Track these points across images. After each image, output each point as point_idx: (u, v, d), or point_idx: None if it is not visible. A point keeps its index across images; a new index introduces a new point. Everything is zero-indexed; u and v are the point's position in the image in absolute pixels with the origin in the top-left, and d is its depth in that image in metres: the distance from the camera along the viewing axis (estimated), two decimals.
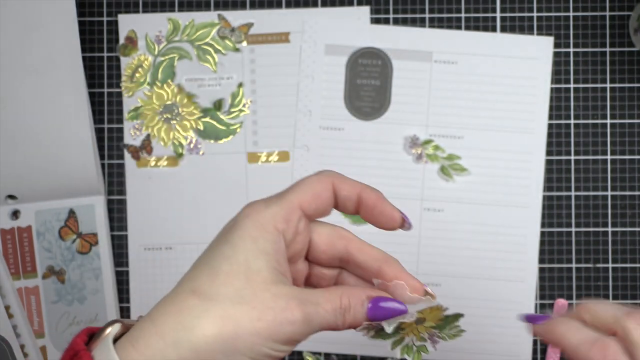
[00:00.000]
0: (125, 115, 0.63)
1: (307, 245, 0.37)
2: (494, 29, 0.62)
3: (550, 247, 0.62)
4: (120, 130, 0.63)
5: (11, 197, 0.61)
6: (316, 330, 0.34)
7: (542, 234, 0.62)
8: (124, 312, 0.62)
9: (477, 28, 0.62)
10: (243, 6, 0.63)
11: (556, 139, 0.62)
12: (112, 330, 0.33)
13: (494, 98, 0.62)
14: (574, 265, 0.62)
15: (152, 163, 0.63)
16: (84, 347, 0.32)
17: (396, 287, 0.36)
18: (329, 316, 0.34)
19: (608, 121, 0.62)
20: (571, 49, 0.62)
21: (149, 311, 0.34)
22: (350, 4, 0.63)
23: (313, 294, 0.34)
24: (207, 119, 0.63)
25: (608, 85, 0.62)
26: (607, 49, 0.62)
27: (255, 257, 0.33)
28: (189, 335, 0.32)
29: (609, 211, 0.62)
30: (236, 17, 0.63)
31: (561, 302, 0.61)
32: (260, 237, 0.34)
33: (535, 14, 0.62)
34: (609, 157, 0.62)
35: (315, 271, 0.39)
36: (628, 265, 0.62)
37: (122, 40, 0.63)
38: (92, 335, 0.34)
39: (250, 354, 0.32)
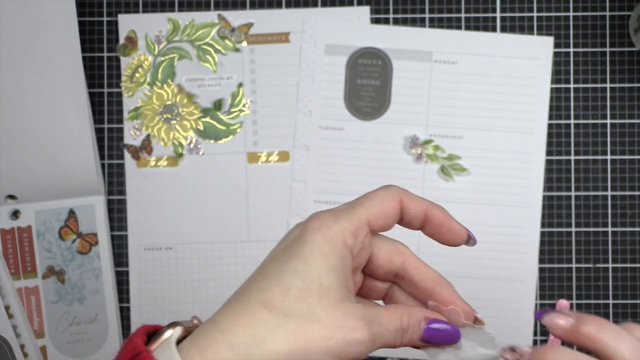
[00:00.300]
0: (125, 115, 0.63)
1: (367, 259, 0.37)
2: (494, 29, 0.62)
3: (550, 247, 0.62)
4: (120, 130, 0.63)
5: (11, 197, 0.61)
6: (377, 348, 0.34)
7: (542, 234, 0.62)
8: (124, 312, 0.63)
9: (477, 28, 0.62)
10: (243, 6, 0.63)
11: (556, 139, 0.62)
12: (174, 333, 0.33)
13: (494, 98, 0.62)
14: (574, 265, 0.62)
15: (152, 163, 0.63)
16: (145, 349, 0.32)
17: (451, 312, 0.37)
18: (390, 336, 0.34)
19: (608, 121, 0.62)
20: (571, 49, 0.62)
21: (213, 317, 0.34)
22: (350, 4, 0.63)
23: (377, 313, 0.34)
24: (207, 119, 0.63)
25: (608, 85, 0.62)
26: (607, 49, 0.62)
27: (326, 274, 0.33)
28: (261, 349, 0.32)
29: (609, 211, 0.62)
30: (236, 17, 0.63)
31: (563, 303, 0.61)
32: (330, 253, 0.34)
33: (535, 14, 0.62)
34: (609, 157, 0.62)
35: (368, 283, 0.39)
36: (628, 265, 0.62)
37: (122, 40, 0.63)
38: (149, 335, 0.34)
39: None
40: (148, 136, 0.63)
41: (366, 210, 0.36)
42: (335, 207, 0.36)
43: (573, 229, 0.62)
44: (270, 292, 0.33)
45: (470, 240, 0.39)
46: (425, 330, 0.35)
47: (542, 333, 0.61)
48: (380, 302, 0.40)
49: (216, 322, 0.33)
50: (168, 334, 0.33)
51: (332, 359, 0.33)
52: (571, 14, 0.62)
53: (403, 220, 0.38)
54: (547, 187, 0.62)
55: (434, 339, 0.36)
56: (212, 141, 0.63)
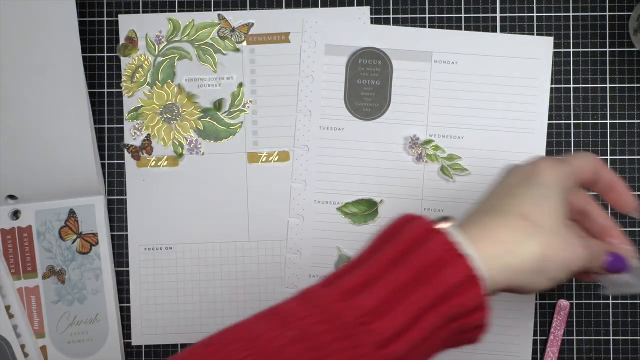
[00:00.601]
0: (125, 115, 0.63)
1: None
2: (494, 29, 0.62)
3: None
4: (120, 130, 0.63)
5: (11, 197, 0.61)
6: (581, 269, 0.43)
7: None
8: (124, 312, 0.63)
9: (477, 28, 0.62)
10: (243, 6, 0.63)
11: (556, 139, 0.62)
12: (455, 223, 0.42)
13: (494, 98, 0.62)
14: None
15: (152, 163, 0.63)
16: (435, 227, 0.40)
17: (625, 251, 0.48)
18: (593, 260, 0.44)
19: (608, 121, 0.62)
20: (571, 49, 0.62)
21: (474, 219, 0.41)
22: (350, 4, 0.63)
23: (588, 242, 0.45)
24: (207, 119, 0.63)
25: (608, 85, 0.62)
26: (607, 49, 0.62)
27: (561, 202, 0.43)
28: (519, 250, 0.40)
29: (609, 211, 0.62)
30: (236, 17, 0.63)
31: (563, 303, 0.61)
32: (562, 187, 0.43)
33: (535, 14, 0.62)
34: (608, 157, 0.62)
35: None
36: None
37: (122, 40, 0.63)
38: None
39: (550, 276, 0.41)
40: (148, 136, 0.63)
41: (581, 164, 0.46)
42: (547, 158, 0.46)
43: None
44: (525, 207, 0.41)
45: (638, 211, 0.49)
46: (609, 261, 0.46)
47: (541, 333, 0.61)
48: None
49: (484, 224, 0.41)
50: (450, 223, 0.41)
51: (564, 267, 0.41)
52: (571, 14, 0.62)
53: (595, 184, 0.48)
54: None
55: (612, 269, 0.46)
56: (212, 141, 0.63)
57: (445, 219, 0.42)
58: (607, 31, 0.62)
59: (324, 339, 0.36)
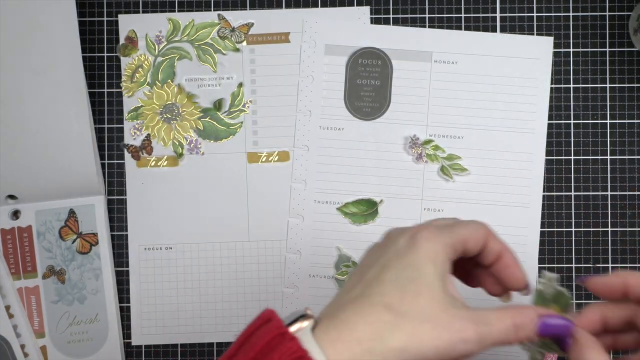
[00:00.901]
0: (125, 115, 0.63)
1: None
2: (494, 29, 0.62)
3: (550, 247, 0.62)
4: (120, 130, 0.63)
5: (11, 197, 0.61)
6: (488, 347, 0.38)
7: (542, 234, 0.62)
8: (124, 312, 0.63)
9: (477, 28, 0.62)
10: (243, 6, 0.63)
11: (556, 139, 0.62)
12: (310, 324, 0.38)
13: (494, 98, 0.62)
14: (573, 265, 0.62)
15: (152, 163, 0.63)
16: (288, 330, 0.37)
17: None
18: (501, 335, 0.38)
19: (608, 121, 0.62)
20: (571, 49, 0.62)
21: (336, 313, 0.38)
22: (350, 4, 0.63)
23: (485, 314, 0.38)
24: (207, 119, 0.63)
25: (608, 85, 0.62)
26: (607, 49, 0.62)
27: (436, 281, 0.38)
28: (383, 346, 0.36)
29: (609, 211, 0.62)
30: (236, 17, 0.63)
31: None
32: (439, 262, 0.39)
33: (535, 14, 0.62)
34: (608, 157, 0.62)
35: None
36: (628, 265, 0.62)
37: (122, 40, 0.63)
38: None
39: None
40: (148, 136, 0.63)
41: (465, 232, 0.41)
42: (433, 224, 0.42)
43: (573, 229, 0.62)
44: (392, 295, 0.38)
45: (526, 289, 0.43)
46: (541, 325, 0.39)
47: None
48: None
49: (343, 320, 0.37)
50: (305, 323, 0.38)
51: (440, 357, 0.37)
52: (571, 14, 0.62)
53: (481, 253, 0.43)
54: (547, 187, 0.62)
55: (549, 333, 0.39)
56: (212, 141, 0.63)
57: (303, 316, 0.38)
58: (607, 31, 0.62)
59: None
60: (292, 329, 0.37)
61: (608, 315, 0.41)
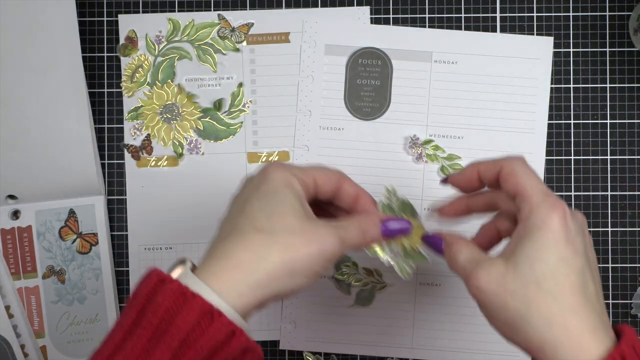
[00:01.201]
0: (125, 115, 0.63)
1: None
2: (494, 29, 0.62)
3: None
4: (120, 130, 0.63)
5: (11, 197, 0.62)
6: (347, 249, 0.43)
7: None
8: None
9: (477, 28, 0.62)
10: (243, 6, 0.63)
11: (556, 139, 0.62)
12: (187, 265, 0.40)
13: (494, 98, 0.62)
14: None
15: (152, 163, 0.63)
16: (168, 276, 0.39)
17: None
18: (355, 238, 0.43)
19: (608, 121, 0.62)
20: (571, 49, 0.62)
21: (214, 250, 0.41)
22: (350, 4, 0.63)
23: (340, 223, 0.44)
24: (207, 119, 0.63)
25: (608, 85, 0.62)
26: (607, 49, 0.62)
27: (296, 202, 0.43)
28: (263, 263, 0.40)
29: (609, 211, 0.62)
30: (236, 17, 0.63)
31: None
32: (294, 187, 0.43)
33: (535, 14, 0.62)
34: (608, 157, 0.62)
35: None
36: (628, 265, 0.62)
37: (122, 40, 0.63)
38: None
39: (306, 273, 0.41)
40: (148, 136, 0.63)
41: (313, 171, 0.45)
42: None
43: None
44: (259, 220, 0.41)
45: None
46: (384, 228, 0.45)
47: None
48: None
49: (220, 254, 0.41)
50: (183, 266, 0.40)
51: (315, 260, 0.41)
52: (571, 14, 0.62)
53: (337, 197, 0.47)
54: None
55: (392, 234, 0.46)
56: (212, 141, 0.63)
57: (182, 262, 0.41)
58: (607, 31, 0.62)
59: None
60: (174, 274, 0.40)
61: (472, 204, 0.47)
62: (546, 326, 0.38)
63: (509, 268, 0.39)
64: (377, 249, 0.47)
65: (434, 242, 0.46)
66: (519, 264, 0.39)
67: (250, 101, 0.63)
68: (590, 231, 0.62)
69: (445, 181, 0.48)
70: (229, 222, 0.43)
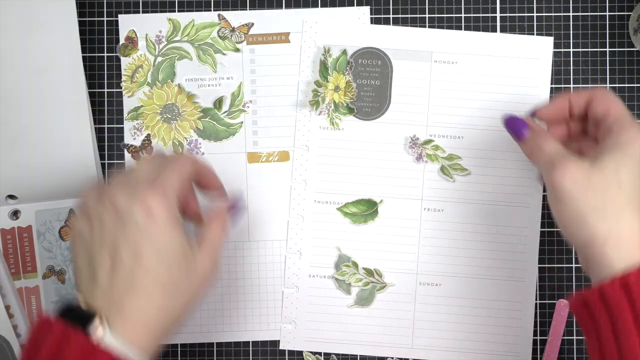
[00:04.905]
0: (125, 115, 0.63)
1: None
2: (494, 29, 0.62)
3: (550, 247, 0.62)
4: (120, 130, 0.63)
5: (11, 197, 0.62)
6: (222, 243, 0.50)
7: (542, 234, 0.62)
8: None
9: (477, 28, 0.62)
10: (243, 6, 0.63)
11: None
12: (106, 327, 0.42)
13: (494, 98, 0.62)
14: (574, 265, 0.62)
15: None
16: (98, 347, 0.40)
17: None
18: (221, 237, 0.49)
19: None
20: (571, 49, 0.62)
21: (121, 307, 0.43)
22: (350, 4, 0.63)
23: (204, 236, 0.48)
24: (207, 119, 0.63)
25: (608, 85, 0.62)
26: (607, 49, 0.62)
27: (184, 240, 0.46)
28: (168, 315, 0.45)
29: None
30: (236, 17, 0.63)
31: (563, 303, 0.61)
32: (177, 219, 0.46)
33: (535, 14, 0.62)
34: None
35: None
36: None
37: (122, 40, 0.63)
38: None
39: (182, 301, 0.46)
40: (148, 136, 0.63)
41: (175, 183, 0.47)
42: (143, 178, 0.47)
43: None
44: (162, 277, 0.44)
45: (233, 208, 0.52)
46: (232, 214, 0.52)
47: (541, 333, 0.61)
48: None
49: (133, 313, 0.43)
50: (100, 328, 0.41)
51: (207, 284, 0.47)
52: (571, 14, 0.62)
53: (200, 185, 0.52)
54: None
55: (238, 214, 0.53)
56: (212, 141, 0.63)
57: (90, 317, 0.42)
58: (607, 31, 0.62)
59: None
60: (95, 335, 0.41)
61: (572, 108, 0.51)
62: (615, 221, 0.43)
63: (595, 167, 0.44)
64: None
65: (515, 125, 0.48)
66: (606, 166, 0.44)
67: (250, 101, 0.63)
68: None
69: (533, 115, 0.51)
70: (121, 270, 0.43)
